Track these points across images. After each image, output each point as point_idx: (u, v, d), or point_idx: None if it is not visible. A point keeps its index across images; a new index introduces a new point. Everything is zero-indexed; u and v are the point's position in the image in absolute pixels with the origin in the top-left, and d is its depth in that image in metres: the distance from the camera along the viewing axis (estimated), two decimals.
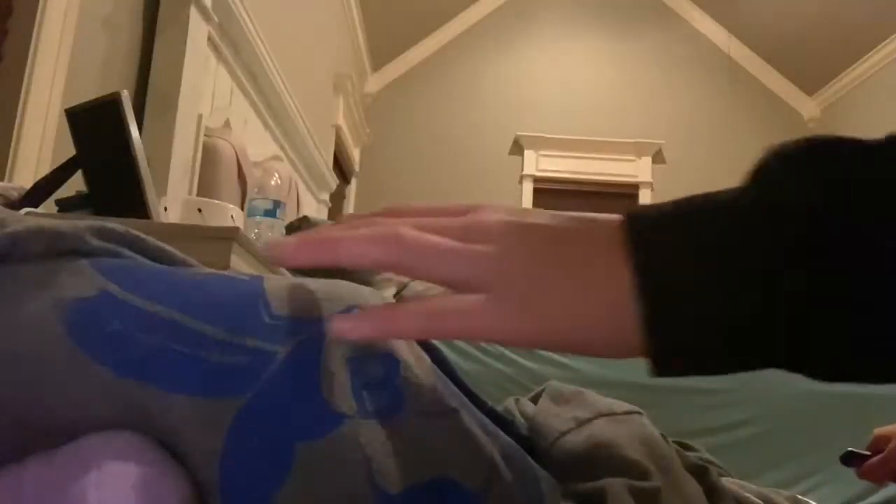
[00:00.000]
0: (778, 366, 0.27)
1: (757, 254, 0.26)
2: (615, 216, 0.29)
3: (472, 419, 0.34)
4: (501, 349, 1.79)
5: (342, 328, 0.28)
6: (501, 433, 0.36)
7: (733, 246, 0.26)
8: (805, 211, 0.26)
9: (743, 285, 0.26)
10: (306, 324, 0.32)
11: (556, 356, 1.81)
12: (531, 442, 0.43)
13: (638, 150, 5.14)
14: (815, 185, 0.26)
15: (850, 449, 0.68)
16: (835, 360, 0.27)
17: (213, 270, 0.36)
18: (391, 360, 0.32)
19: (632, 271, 0.27)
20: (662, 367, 0.27)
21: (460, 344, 1.79)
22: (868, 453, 0.67)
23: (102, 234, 0.35)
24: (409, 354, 0.33)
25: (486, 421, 0.35)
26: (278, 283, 0.34)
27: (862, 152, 0.27)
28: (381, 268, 0.29)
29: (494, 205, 0.32)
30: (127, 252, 0.35)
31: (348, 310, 0.33)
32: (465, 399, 0.35)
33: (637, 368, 1.78)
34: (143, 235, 0.36)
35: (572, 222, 0.30)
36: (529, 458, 0.37)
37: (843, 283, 0.25)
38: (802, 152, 0.28)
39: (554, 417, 0.45)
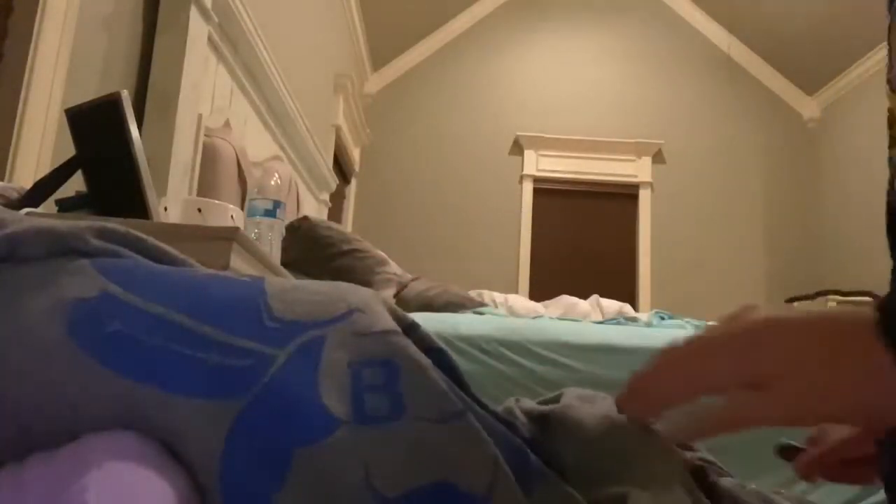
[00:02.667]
0: None
1: None
2: (866, 311, 0.35)
3: (476, 424, 0.34)
4: (502, 349, 1.80)
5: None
6: (507, 435, 0.36)
7: None
8: None
9: None
10: (307, 327, 0.32)
11: (557, 357, 1.81)
12: (533, 443, 0.43)
13: (638, 150, 5.14)
14: None
15: (786, 441, 0.65)
16: None
17: (214, 271, 0.36)
18: (392, 367, 0.32)
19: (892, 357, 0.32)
20: None
21: (460, 344, 1.79)
22: (804, 447, 0.63)
23: (103, 234, 0.35)
24: (411, 360, 0.33)
25: (491, 423, 0.35)
26: (280, 286, 0.34)
27: None
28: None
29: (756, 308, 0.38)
30: (127, 252, 0.35)
31: (350, 313, 0.33)
32: (470, 402, 0.35)
33: (635, 369, 1.78)
34: (143, 236, 0.36)
35: (828, 316, 0.35)
36: (534, 459, 0.37)
37: None
38: None
39: (588, 416, 0.45)
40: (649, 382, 0.39)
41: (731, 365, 0.36)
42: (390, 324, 0.34)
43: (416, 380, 0.32)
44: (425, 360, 0.34)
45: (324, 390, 0.30)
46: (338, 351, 0.32)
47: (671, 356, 0.38)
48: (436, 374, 0.34)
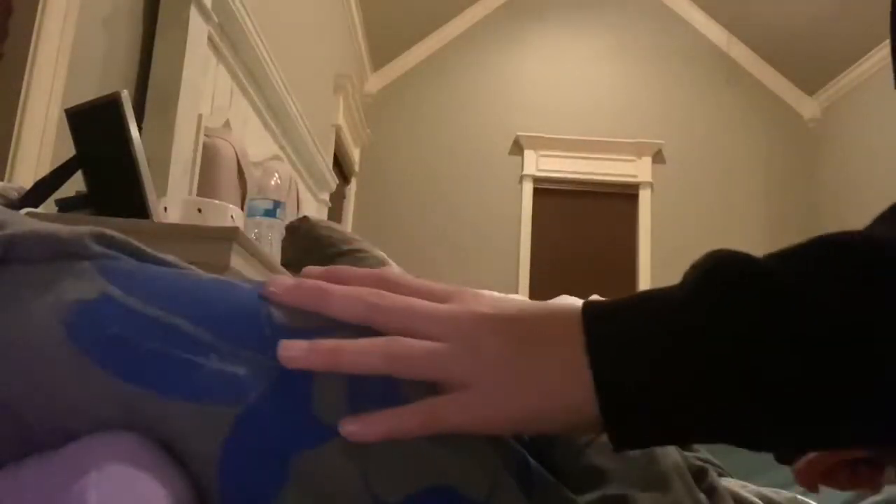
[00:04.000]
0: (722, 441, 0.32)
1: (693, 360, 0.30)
2: (575, 310, 0.33)
3: None
4: None
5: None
6: (506, 439, 0.36)
7: (673, 354, 0.30)
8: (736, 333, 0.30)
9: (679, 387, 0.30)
10: (306, 335, 0.32)
11: None
12: (532, 446, 0.43)
13: (638, 150, 5.14)
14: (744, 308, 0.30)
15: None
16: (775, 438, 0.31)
17: (216, 276, 0.35)
18: (392, 377, 0.32)
19: (590, 373, 0.31)
20: (620, 442, 0.31)
21: None
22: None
23: (103, 240, 0.35)
24: None
25: None
26: None
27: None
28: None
29: (473, 292, 0.35)
30: (127, 259, 0.35)
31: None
32: None
33: None
34: (142, 246, 0.36)
35: (538, 314, 0.33)
36: (533, 463, 0.37)
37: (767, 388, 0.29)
38: (733, 274, 0.32)
39: None
40: (338, 294, 0.33)
41: (422, 369, 0.32)
42: None
43: (415, 388, 0.32)
44: None
45: (318, 401, 0.30)
46: None
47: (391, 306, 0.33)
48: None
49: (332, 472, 0.29)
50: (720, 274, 0.32)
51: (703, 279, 0.32)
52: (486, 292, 0.36)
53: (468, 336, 0.32)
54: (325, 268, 0.36)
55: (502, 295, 0.36)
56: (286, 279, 0.33)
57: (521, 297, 0.36)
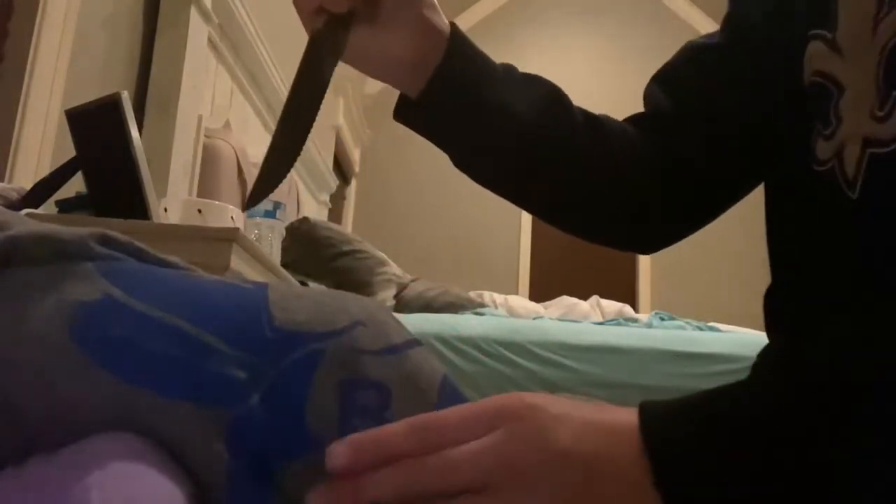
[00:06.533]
0: None
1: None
2: (635, 429, 0.31)
3: None
4: (501, 350, 1.80)
5: None
6: None
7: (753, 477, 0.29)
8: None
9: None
10: (306, 340, 0.32)
11: (557, 357, 1.81)
12: None
13: None
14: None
15: None
16: None
17: (217, 277, 0.35)
18: (384, 391, 0.32)
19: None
20: None
21: (460, 345, 1.79)
22: None
23: (105, 241, 0.35)
24: (405, 385, 0.33)
25: None
26: (283, 294, 0.34)
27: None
28: None
29: (519, 407, 0.32)
30: (129, 259, 0.35)
31: (352, 326, 0.33)
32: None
33: (635, 369, 1.78)
34: (144, 247, 0.36)
35: (596, 440, 0.31)
36: None
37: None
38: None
39: None
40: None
41: None
42: (392, 340, 0.34)
43: (407, 406, 0.32)
44: (423, 383, 0.33)
45: (310, 409, 0.30)
46: (332, 368, 0.31)
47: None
48: (431, 397, 0.33)
49: (314, 484, 0.29)
50: (799, 394, 0.31)
51: (779, 398, 0.31)
52: (539, 400, 0.32)
53: (519, 481, 0.29)
54: (351, 444, 0.30)
55: (553, 402, 0.32)
56: (318, 496, 0.29)
57: (580, 405, 0.33)
